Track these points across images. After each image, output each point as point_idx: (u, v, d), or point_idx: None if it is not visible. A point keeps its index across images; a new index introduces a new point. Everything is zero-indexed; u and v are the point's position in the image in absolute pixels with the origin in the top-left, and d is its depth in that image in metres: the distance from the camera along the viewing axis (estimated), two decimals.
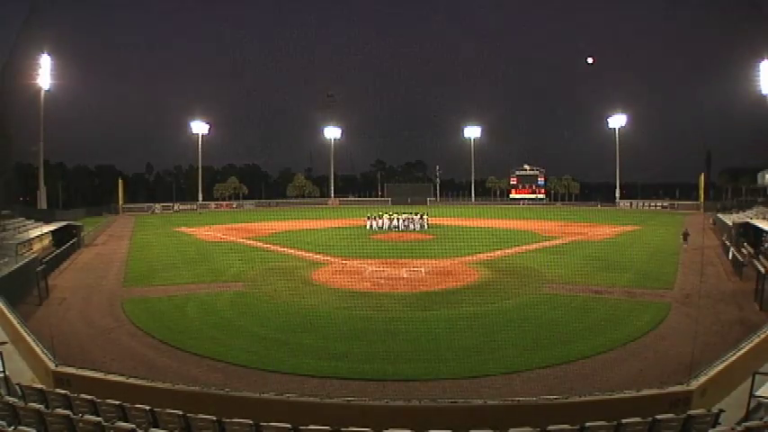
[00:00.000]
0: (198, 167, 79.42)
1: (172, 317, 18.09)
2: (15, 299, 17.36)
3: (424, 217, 43.82)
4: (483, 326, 16.16)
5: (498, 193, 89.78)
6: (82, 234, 37.04)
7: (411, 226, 42.10)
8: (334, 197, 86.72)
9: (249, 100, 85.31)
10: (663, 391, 9.71)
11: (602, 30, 76.91)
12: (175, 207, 73.65)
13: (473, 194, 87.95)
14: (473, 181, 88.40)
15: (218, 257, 29.91)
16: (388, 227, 41.79)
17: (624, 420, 7.93)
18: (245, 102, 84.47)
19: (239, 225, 48.81)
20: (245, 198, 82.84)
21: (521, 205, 78.30)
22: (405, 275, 24.05)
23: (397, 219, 42.99)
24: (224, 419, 8.25)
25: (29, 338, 12.76)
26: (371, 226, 42.69)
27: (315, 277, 24.08)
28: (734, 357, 10.89)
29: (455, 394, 11.05)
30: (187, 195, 77.76)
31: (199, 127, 78.69)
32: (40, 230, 32.81)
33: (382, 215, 43.91)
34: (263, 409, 9.22)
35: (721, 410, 8.34)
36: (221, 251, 32.50)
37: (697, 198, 64.94)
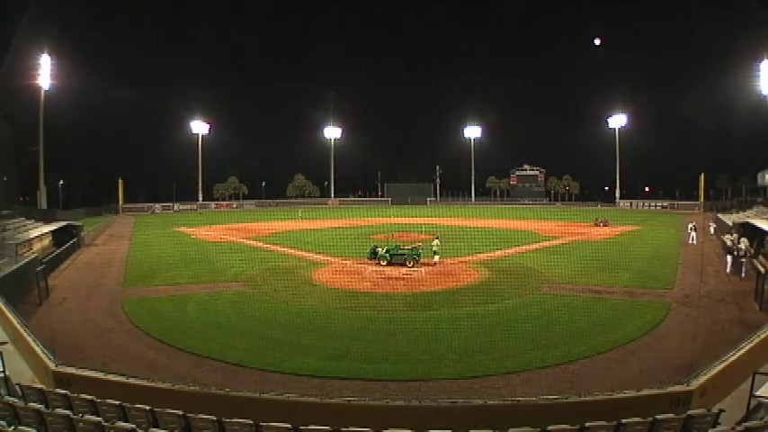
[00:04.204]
0: (198, 167, 79.47)
1: (172, 317, 18.09)
2: (15, 299, 17.34)
3: None
4: (483, 326, 16.16)
5: (498, 193, 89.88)
6: (82, 234, 37.06)
7: None
8: (334, 197, 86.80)
9: (249, 99, 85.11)
10: (663, 391, 9.71)
11: (602, 29, 76.81)
12: (175, 207, 73.65)
13: (473, 194, 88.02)
14: (473, 181, 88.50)
15: (218, 257, 29.90)
16: None
17: (624, 420, 7.92)
18: (245, 101, 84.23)
19: (239, 225, 48.81)
20: (245, 198, 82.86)
21: (521, 205, 78.43)
22: (404, 275, 24.05)
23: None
24: (224, 419, 8.24)
25: (29, 338, 12.75)
26: None
27: (315, 277, 24.08)
28: (734, 357, 10.88)
29: (455, 394, 11.05)
30: (187, 195, 77.69)
31: (199, 127, 78.70)
32: (40, 230, 32.80)
33: None
34: (263, 409, 9.22)
35: (721, 410, 8.34)
36: (221, 251, 32.49)
37: (697, 198, 64.95)
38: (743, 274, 22.25)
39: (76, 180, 73.21)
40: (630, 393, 9.74)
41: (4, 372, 10.70)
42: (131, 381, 10.59)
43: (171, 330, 16.24)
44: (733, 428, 7.47)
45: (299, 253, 31.23)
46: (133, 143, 68.69)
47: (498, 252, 30.12)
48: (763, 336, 11.90)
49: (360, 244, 30.76)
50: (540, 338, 14.97)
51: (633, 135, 74.36)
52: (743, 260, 22.87)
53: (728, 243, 24.94)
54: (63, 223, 37.03)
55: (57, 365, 11.17)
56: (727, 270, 23.53)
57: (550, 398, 9.78)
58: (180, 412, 8.47)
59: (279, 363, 13.38)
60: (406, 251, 26.39)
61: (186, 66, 73.09)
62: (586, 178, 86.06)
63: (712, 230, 37.94)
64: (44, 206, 52.94)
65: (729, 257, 23.71)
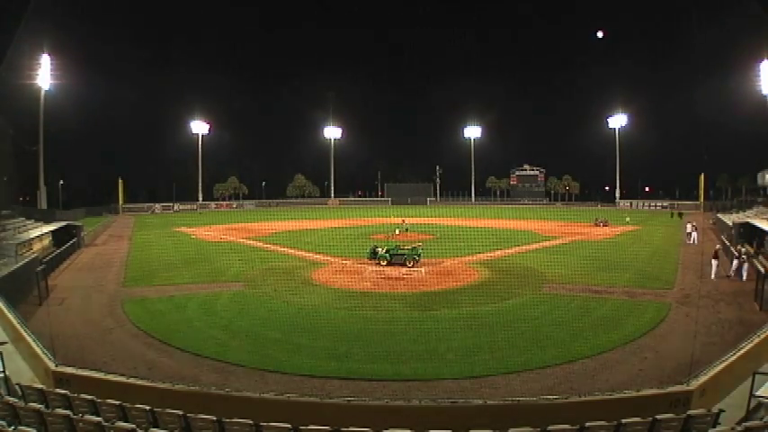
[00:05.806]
0: (198, 167, 79.46)
1: (172, 317, 18.08)
2: (15, 299, 17.34)
3: None
4: (483, 326, 16.16)
5: (498, 193, 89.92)
6: (82, 234, 37.05)
7: None
8: (334, 197, 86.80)
9: (249, 99, 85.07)
10: (663, 391, 9.71)
11: (603, 28, 76.68)
12: (175, 207, 73.71)
13: (473, 194, 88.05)
14: (473, 181, 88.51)
15: (218, 257, 29.89)
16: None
17: (624, 420, 7.93)
18: (245, 101, 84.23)
19: (239, 225, 48.82)
20: (245, 198, 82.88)
21: (521, 205, 78.45)
22: (405, 275, 24.04)
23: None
24: (224, 419, 8.25)
25: (29, 338, 12.75)
26: None
27: (315, 277, 24.08)
28: (734, 357, 10.88)
29: (455, 394, 11.05)
30: (187, 195, 77.69)
31: (199, 127, 78.69)
32: (40, 230, 32.80)
33: None
34: (263, 409, 9.22)
35: (721, 410, 8.34)
36: (221, 251, 32.50)
37: (697, 198, 64.94)
38: (743, 278, 22.11)
39: (76, 180, 73.23)
40: (630, 393, 9.74)
41: (4, 372, 10.70)
42: (131, 381, 10.59)
43: (171, 330, 16.23)
44: (733, 428, 7.47)
45: (299, 253, 31.23)
46: (133, 143, 68.79)
47: (498, 252, 30.12)
48: (763, 336, 11.89)
49: (360, 244, 30.76)
50: (540, 338, 14.97)
51: (633, 135, 74.44)
52: (745, 264, 22.67)
53: (738, 251, 24.55)
54: (63, 223, 37.04)
55: (57, 365, 11.17)
56: (732, 273, 23.14)
57: (550, 398, 9.79)
58: (180, 412, 8.48)
59: (279, 363, 13.37)
60: (406, 251, 26.40)
61: (186, 65, 73.12)
62: (586, 178, 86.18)
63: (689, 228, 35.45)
64: (44, 206, 52.91)
65: (736, 262, 23.30)
